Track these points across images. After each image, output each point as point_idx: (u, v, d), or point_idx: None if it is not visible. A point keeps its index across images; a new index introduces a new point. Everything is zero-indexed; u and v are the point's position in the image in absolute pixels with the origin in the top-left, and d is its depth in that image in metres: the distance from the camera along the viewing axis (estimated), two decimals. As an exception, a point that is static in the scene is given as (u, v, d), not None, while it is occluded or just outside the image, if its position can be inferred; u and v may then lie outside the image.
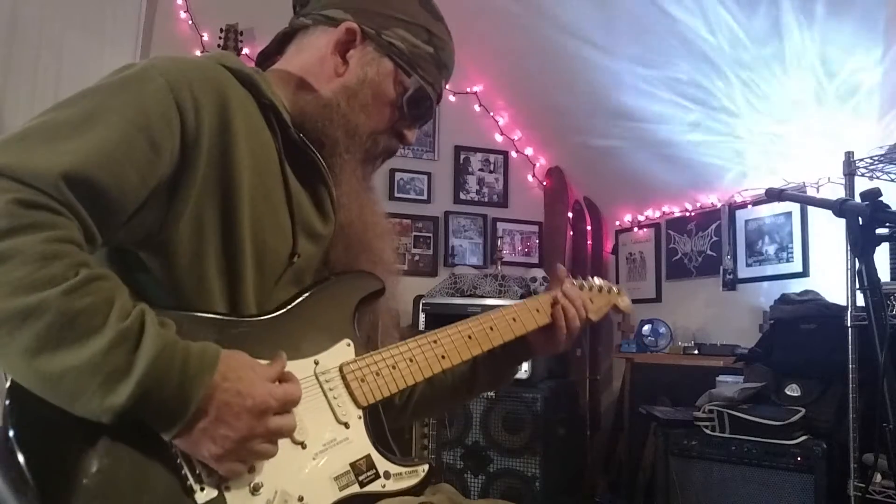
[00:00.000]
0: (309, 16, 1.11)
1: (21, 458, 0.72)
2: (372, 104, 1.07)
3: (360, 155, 1.09)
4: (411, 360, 1.06)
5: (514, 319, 1.21)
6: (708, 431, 2.60)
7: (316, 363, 0.97)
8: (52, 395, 0.74)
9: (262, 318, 0.95)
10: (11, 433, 0.73)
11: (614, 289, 1.42)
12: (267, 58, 1.16)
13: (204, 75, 0.93)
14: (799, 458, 2.37)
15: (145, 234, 0.89)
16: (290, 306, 0.98)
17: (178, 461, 0.80)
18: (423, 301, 3.39)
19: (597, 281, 1.40)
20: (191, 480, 0.81)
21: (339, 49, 1.07)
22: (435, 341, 1.11)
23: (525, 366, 3.18)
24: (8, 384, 0.75)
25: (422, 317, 3.32)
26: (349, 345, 1.02)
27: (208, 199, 0.91)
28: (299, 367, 0.94)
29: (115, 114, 0.84)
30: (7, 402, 0.74)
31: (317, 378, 0.96)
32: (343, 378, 0.99)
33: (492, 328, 1.18)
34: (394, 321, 1.16)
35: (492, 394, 3.17)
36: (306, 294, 1.00)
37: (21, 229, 0.72)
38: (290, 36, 1.13)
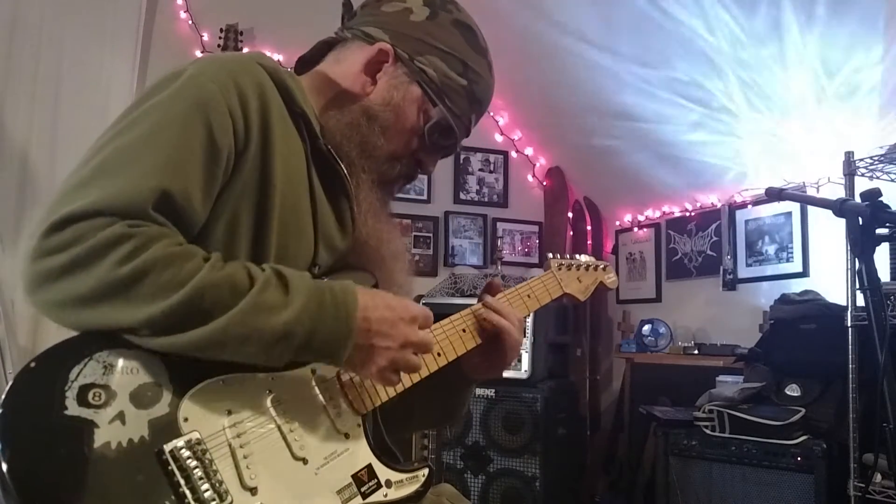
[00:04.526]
0: (351, 29, 1.10)
1: (4, 466, 0.71)
2: (393, 128, 1.06)
3: (375, 176, 1.07)
4: None
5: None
6: (708, 431, 2.60)
7: (313, 372, 0.96)
8: (218, 351, 0.81)
9: None
10: None
11: (601, 265, 1.40)
12: (305, 64, 1.15)
13: (250, 78, 0.94)
14: (799, 458, 2.36)
15: (183, 231, 0.89)
16: None
17: (181, 489, 0.78)
18: (423, 301, 3.39)
19: (583, 258, 1.38)
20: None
21: (370, 68, 1.06)
22: None
23: (525, 366, 3.18)
24: (3, 396, 0.74)
25: (422, 317, 3.31)
26: None
27: (245, 202, 0.93)
28: (298, 378, 0.93)
29: (177, 127, 0.87)
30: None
31: (316, 388, 0.95)
32: (341, 386, 0.98)
33: (485, 318, 1.15)
34: None
35: (492, 393, 3.17)
36: None
37: (145, 245, 0.79)
38: (330, 46, 1.13)
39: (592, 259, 1.39)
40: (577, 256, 1.38)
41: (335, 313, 0.85)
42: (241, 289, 0.82)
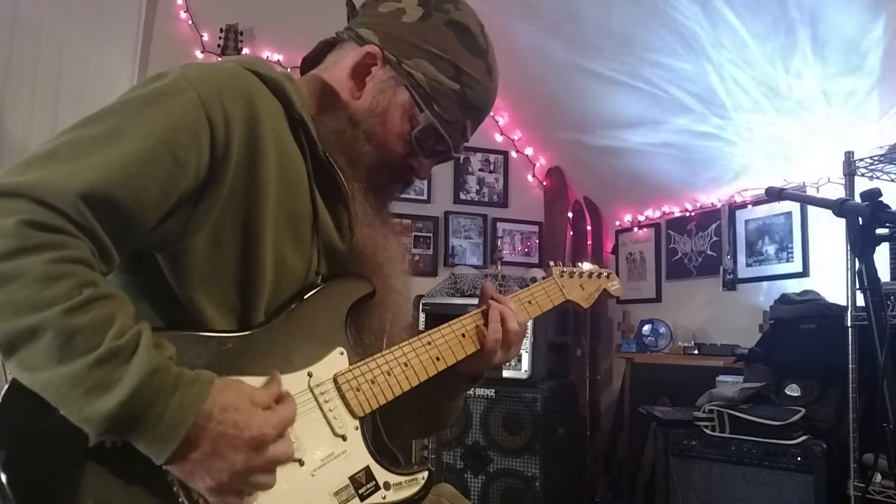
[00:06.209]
0: (349, 30, 1.08)
1: (3, 476, 0.71)
2: (378, 134, 1.03)
3: (365, 185, 1.05)
4: (406, 365, 1.04)
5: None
6: (708, 431, 2.60)
7: (310, 375, 0.95)
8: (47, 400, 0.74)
9: (252, 332, 0.92)
10: None
11: (604, 273, 1.40)
12: (309, 64, 1.13)
13: (236, 86, 0.92)
14: (799, 458, 2.36)
15: (163, 241, 0.88)
16: (279, 317, 0.95)
17: (175, 489, 0.79)
18: (423, 301, 3.39)
19: (586, 266, 1.38)
20: None
21: (357, 72, 1.03)
22: (429, 343, 1.08)
23: (525, 366, 3.18)
24: (0, 399, 0.75)
25: (422, 317, 3.32)
26: (342, 353, 1.00)
27: (231, 213, 0.90)
28: (293, 381, 0.93)
29: (140, 129, 0.83)
30: None
31: (311, 391, 0.95)
32: (338, 389, 0.97)
33: (485, 324, 1.15)
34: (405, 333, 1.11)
35: (492, 393, 3.17)
36: (295, 304, 0.98)
37: (28, 250, 0.72)
38: (331, 45, 1.10)
39: (596, 267, 1.39)
40: (580, 264, 1.38)
41: (167, 410, 0.74)
42: (78, 350, 0.72)
